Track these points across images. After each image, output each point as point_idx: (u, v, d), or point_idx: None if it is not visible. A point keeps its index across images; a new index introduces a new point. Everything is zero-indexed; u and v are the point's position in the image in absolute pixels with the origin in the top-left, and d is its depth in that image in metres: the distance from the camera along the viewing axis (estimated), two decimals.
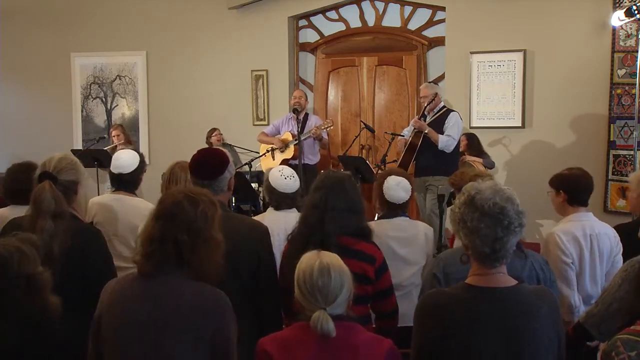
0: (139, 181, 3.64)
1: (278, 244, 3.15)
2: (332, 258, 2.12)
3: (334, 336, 2.00)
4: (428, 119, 5.94)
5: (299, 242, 2.76)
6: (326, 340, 2.01)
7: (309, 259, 2.11)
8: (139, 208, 3.47)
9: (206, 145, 7.14)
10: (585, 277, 3.31)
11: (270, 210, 3.65)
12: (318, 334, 2.01)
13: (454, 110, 5.97)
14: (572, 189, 3.38)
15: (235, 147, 7.47)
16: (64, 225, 2.53)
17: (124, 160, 3.56)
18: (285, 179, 3.58)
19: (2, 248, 2.03)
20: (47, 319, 2.05)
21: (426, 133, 5.74)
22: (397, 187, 3.44)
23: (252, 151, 7.13)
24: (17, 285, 2.01)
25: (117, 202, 3.53)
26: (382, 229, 3.33)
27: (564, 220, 3.42)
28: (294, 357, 2.03)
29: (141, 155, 3.65)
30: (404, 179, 3.47)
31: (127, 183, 3.56)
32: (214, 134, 7.44)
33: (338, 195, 2.83)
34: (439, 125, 5.80)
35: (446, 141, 5.70)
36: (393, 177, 3.48)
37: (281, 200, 3.58)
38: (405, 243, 3.42)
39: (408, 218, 3.56)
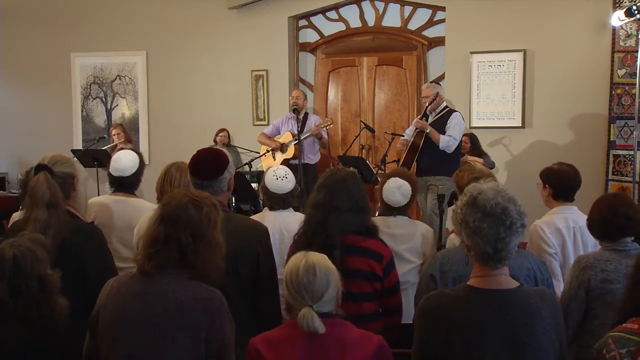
0: (139, 182, 3.63)
1: (273, 243, 3.15)
2: (318, 258, 2.14)
3: (323, 333, 2.02)
4: (430, 119, 5.92)
5: (302, 242, 2.76)
6: (315, 338, 2.03)
7: (296, 259, 2.14)
8: (138, 208, 3.46)
9: (213, 144, 7.18)
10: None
11: (265, 210, 3.66)
12: (305, 331, 2.02)
13: (456, 111, 5.95)
14: (556, 184, 3.45)
15: (237, 148, 7.47)
16: (59, 217, 2.53)
17: (125, 163, 3.52)
18: (277, 179, 3.54)
19: (15, 248, 2.05)
20: (55, 320, 2.06)
21: (428, 133, 5.74)
22: (395, 191, 3.42)
23: (252, 151, 7.12)
24: (28, 286, 2.03)
25: (116, 203, 3.52)
26: (379, 224, 3.30)
27: (548, 213, 3.49)
28: (284, 355, 2.05)
29: (140, 156, 3.63)
30: (405, 182, 3.42)
31: (127, 185, 3.55)
32: (219, 134, 7.44)
33: (341, 195, 2.83)
34: (441, 125, 5.79)
35: (447, 141, 5.69)
36: (395, 179, 3.45)
37: (273, 201, 3.57)
38: (401, 240, 3.39)
39: (407, 218, 3.54)
